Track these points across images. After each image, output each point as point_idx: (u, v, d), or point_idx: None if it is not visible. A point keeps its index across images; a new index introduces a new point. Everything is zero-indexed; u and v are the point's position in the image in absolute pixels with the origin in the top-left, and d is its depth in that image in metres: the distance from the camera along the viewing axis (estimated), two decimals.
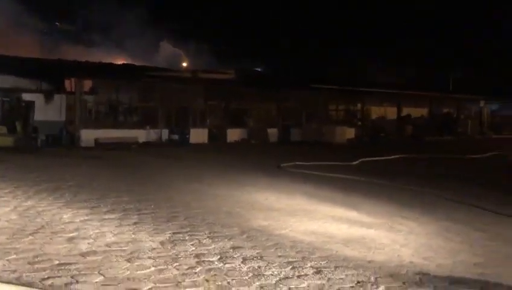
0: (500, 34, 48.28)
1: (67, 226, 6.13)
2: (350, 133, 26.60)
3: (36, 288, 4.01)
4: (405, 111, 33.21)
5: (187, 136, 21.02)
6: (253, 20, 44.59)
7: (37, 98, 18.26)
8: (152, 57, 34.13)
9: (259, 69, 39.46)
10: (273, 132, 24.66)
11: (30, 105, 17.50)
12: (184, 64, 37.97)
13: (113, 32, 35.63)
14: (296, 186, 10.62)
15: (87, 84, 20.35)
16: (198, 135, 21.50)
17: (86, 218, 6.59)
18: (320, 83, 27.06)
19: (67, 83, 20.71)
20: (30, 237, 5.53)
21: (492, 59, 46.11)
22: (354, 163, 15.97)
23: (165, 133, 20.99)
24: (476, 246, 6.41)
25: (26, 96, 18.06)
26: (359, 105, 31.21)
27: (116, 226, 6.19)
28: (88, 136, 18.47)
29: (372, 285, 4.46)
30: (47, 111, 18.29)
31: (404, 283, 4.56)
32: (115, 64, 26.50)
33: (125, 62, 27.22)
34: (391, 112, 32.55)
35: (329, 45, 43.31)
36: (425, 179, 12.94)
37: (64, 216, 6.65)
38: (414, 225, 7.38)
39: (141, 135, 20.01)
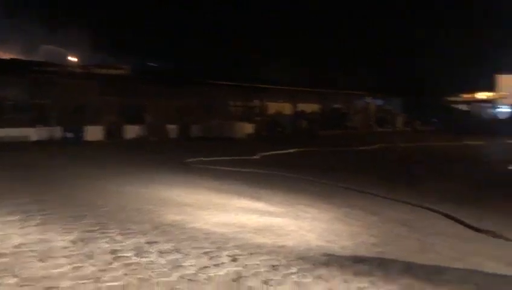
0: (385, 34, 51.91)
1: None
2: (249, 128, 27.28)
3: None
4: (300, 107, 34.72)
5: (82, 134, 20.33)
6: (151, 17, 43.93)
7: None
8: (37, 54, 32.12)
9: (155, 65, 38.87)
10: (172, 128, 24.59)
11: None
12: (74, 60, 36.31)
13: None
14: (202, 181, 10.79)
15: None
16: (94, 133, 20.89)
17: None
18: (220, 80, 27.45)
19: None
20: None
21: (376, 58, 49.44)
22: (256, 157, 16.51)
23: (58, 131, 20.10)
24: (371, 228, 7.02)
25: None
26: (257, 101, 32.09)
27: (20, 228, 5.95)
28: None
29: (285, 268, 4.79)
30: None
31: (313, 264, 4.95)
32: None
33: (12, 57, 25.49)
34: (287, 108, 33.89)
35: (231, 42, 43.80)
36: (322, 170, 13.73)
37: None
38: (316, 212, 7.90)
39: (32, 133, 18.99)
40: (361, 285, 4.41)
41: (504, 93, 55.96)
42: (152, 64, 38.11)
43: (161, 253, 5.13)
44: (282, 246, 5.61)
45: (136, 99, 24.87)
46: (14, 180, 10.10)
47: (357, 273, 4.70)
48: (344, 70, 42.76)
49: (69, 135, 19.93)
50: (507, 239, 6.67)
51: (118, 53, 34.54)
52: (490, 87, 56.53)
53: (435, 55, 52.25)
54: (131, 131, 22.80)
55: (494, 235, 6.85)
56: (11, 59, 24.47)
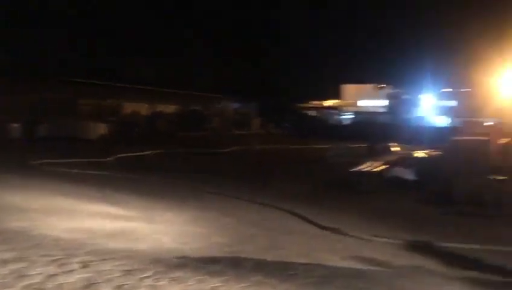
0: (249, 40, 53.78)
1: None
2: (104, 129, 26.31)
3: None
4: (158, 108, 34.37)
5: None
6: None
7: None
8: None
9: None
10: (16, 127, 22.74)
11: None
12: None
13: None
14: (50, 185, 10.21)
15: None
16: None
17: None
18: (71, 76, 26.06)
19: None
20: None
21: (234, 62, 50.90)
22: (110, 159, 16.01)
23: None
24: (225, 229, 7.27)
25: None
26: (113, 100, 31.06)
27: None
28: None
29: (139, 272, 4.76)
30: None
31: (168, 267, 4.98)
32: None
33: None
34: (145, 108, 33.32)
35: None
36: (179, 172, 13.83)
37: None
38: (171, 215, 7.95)
39: None
40: (215, 284, 4.55)
41: (348, 101, 61.32)
42: None
43: (3, 262, 4.75)
44: (137, 251, 5.56)
45: None
46: None
47: (211, 274, 4.84)
48: (203, 72, 43.32)
49: None
50: (345, 234, 7.38)
51: None
52: (336, 96, 61.55)
53: (288, 64, 55.50)
54: None
55: (336, 231, 7.53)
56: None
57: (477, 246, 7.45)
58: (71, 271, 4.65)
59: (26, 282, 4.26)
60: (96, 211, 7.85)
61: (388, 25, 59.89)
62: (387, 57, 55.39)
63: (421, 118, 53.82)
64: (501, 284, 6.07)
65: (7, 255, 4.99)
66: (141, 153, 18.52)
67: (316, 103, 61.00)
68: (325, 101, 62.01)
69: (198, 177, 13.08)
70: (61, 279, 4.41)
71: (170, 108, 36.25)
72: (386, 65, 55.40)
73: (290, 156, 22.56)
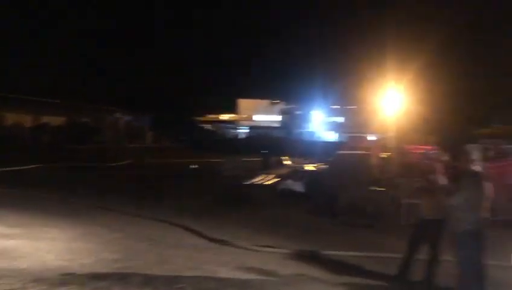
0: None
1: None
2: None
3: None
4: (44, 119, 32.60)
5: None
6: None
7: None
8: None
9: None
10: None
11: None
12: None
13: None
14: None
15: None
16: None
17: None
18: None
19: None
20: None
21: (125, 74, 49.87)
22: None
23: None
24: (114, 244, 7.13)
25: None
26: None
27: None
28: None
29: None
30: None
31: (51, 285, 4.79)
32: None
33: None
34: (28, 120, 31.44)
35: None
36: (67, 188, 13.25)
37: None
38: (56, 232, 7.62)
39: None
40: None
41: (244, 115, 62.54)
42: None
43: None
44: (18, 269, 5.28)
45: None
46: None
47: (96, 289, 4.75)
48: (91, 82, 41.74)
49: None
50: (236, 246, 7.57)
51: None
52: (232, 110, 62.54)
53: (185, 77, 55.43)
54: None
55: (225, 243, 7.69)
56: None
57: (358, 254, 7.99)
58: None
59: None
60: None
61: (283, 44, 62.37)
62: (282, 74, 57.51)
63: (312, 132, 56.35)
64: (382, 288, 6.56)
65: None
66: (24, 167, 17.48)
67: (212, 116, 61.50)
68: (221, 115, 62.76)
69: (86, 193, 12.65)
70: None
71: (57, 120, 34.52)
72: (281, 82, 57.42)
73: (183, 170, 22.51)
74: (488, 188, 5.49)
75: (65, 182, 14.90)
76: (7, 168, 16.40)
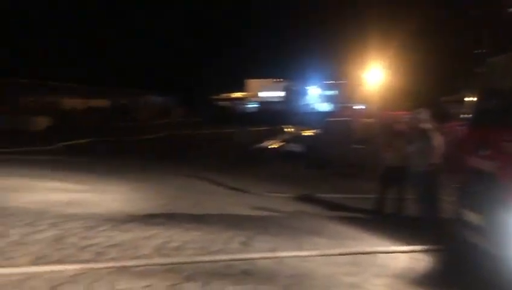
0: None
1: None
2: (46, 121, 25.14)
3: None
4: (92, 102, 33.26)
5: None
6: None
7: None
8: None
9: None
10: None
11: None
12: None
13: None
14: (8, 169, 9.99)
15: None
16: None
17: None
18: (15, 76, 24.54)
19: None
20: None
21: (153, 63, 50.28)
22: (55, 146, 15.66)
23: None
24: (160, 193, 7.77)
25: None
26: (52, 96, 29.60)
27: None
28: None
29: (97, 227, 5.21)
30: None
31: (119, 221, 5.45)
32: None
33: None
34: (80, 103, 32.12)
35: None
36: (115, 154, 13.92)
37: None
38: (115, 187, 8.25)
39: None
40: (156, 232, 5.11)
41: (252, 92, 62.79)
42: None
43: None
44: (93, 213, 5.92)
45: None
46: None
47: (153, 224, 5.39)
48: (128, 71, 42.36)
49: None
50: (250, 193, 8.21)
51: None
52: (242, 88, 62.87)
53: (203, 61, 55.82)
54: None
55: (242, 191, 8.33)
56: None
57: (344, 195, 8.61)
58: (43, 230, 5.01)
59: (8, 240, 4.58)
60: (51, 187, 7.96)
61: (284, 28, 62.00)
62: (283, 55, 57.70)
63: (309, 104, 56.60)
64: (359, 219, 7.20)
65: None
66: (80, 141, 18.17)
67: (225, 95, 61.98)
68: (233, 93, 63.18)
69: (130, 158, 13.30)
70: (35, 236, 4.77)
71: (102, 102, 35.19)
72: (282, 62, 57.70)
73: (205, 139, 23.14)
74: (439, 141, 6.06)
75: (113, 151, 15.55)
76: (68, 142, 17.11)
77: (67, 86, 28.83)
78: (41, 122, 24.42)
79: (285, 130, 24.82)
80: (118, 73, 40.76)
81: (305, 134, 19.22)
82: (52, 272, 3.46)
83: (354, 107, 29.80)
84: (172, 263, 3.76)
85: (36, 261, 3.78)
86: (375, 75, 25.81)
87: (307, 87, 60.88)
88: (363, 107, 29.69)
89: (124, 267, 3.60)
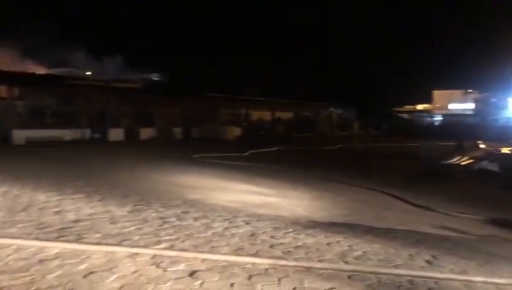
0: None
1: (47, 204, 6.44)
2: (237, 131, 28.02)
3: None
4: (277, 114, 35.63)
5: (106, 135, 20.84)
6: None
7: None
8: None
9: (159, 79, 39.45)
10: (177, 131, 25.20)
11: None
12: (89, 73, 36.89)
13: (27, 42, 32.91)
14: (209, 171, 11.53)
15: (16, 90, 19.26)
16: (115, 134, 21.40)
17: (59, 198, 6.88)
18: (213, 92, 28.23)
19: None
20: (23, 212, 5.82)
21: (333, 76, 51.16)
22: (245, 153, 17.30)
23: (87, 132, 20.58)
24: (340, 204, 7.91)
25: None
26: (243, 110, 32.90)
27: (87, 203, 6.62)
28: (19, 135, 17.61)
29: (284, 229, 5.61)
30: None
31: (303, 227, 5.79)
32: (37, 74, 25.12)
33: (46, 72, 25.95)
34: (267, 115, 34.79)
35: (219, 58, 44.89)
36: (298, 163, 14.62)
37: (40, 197, 6.89)
38: (299, 193, 8.75)
39: (67, 134, 19.45)
40: (338, 239, 5.24)
41: (438, 105, 58.06)
42: (156, 78, 38.71)
43: (194, 219, 5.87)
44: (279, 216, 6.42)
45: (148, 107, 25.45)
46: (65, 170, 10.67)
47: (334, 232, 5.54)
48: (311, 85, 44.10)
49: (96, 135, 20.44)
50: (434, 211, 7.64)
51: (131, 69, 35.13)
52: (427, 100, 58.68)
53: (384, 74, 54.24)
54: (145, 133, 23.36)
55: (426, 209, 7.82)
56: (46, 74, 24.79)
57: None
58: (239, 226, 5.63)
59: (212, 231, 5.32)
60: (243, 189, 8.90)
61: (475, 35, 55.84)
62: (475, 64, 51.86)
63: (507, 118, 49.35)
64: None
65: (196, 215, 6.12)
66: (267, 150, 19.64)
67: (409, 107, 58.79)
68: (418, 105, 59.48)
69: (313, 167, 13.78)
70: (233, 230, 5.41)
71: (287, 114, 37.38)
72: (473, 72, 51.89)
73: (386, 153, 22.36)
74: None
75: (296, 160, 16.36)
76: (257, 150, 18.71)
77: (255, 99, 31.70)
78: (233, 132, 27.32)
79: (479, 146, 22.22)
80: (302, 86, 42.87)
81: (503, 151, 16.92)
82: (249, 263, 3.88)
83: None
84: (355, 271, 3.80)
85: (236, 252, 4.29)
86: None
87: (505, 99, 53.22)
88: None
89: (310, 268, 3.81)
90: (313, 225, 5.96)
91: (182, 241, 4.64)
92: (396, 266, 4.18)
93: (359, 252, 4.59)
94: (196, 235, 5.04)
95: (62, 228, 5.07)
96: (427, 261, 4.56)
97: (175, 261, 3.89)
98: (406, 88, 53.04)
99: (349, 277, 3.68)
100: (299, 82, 44.62)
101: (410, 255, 4.71)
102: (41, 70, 27.03)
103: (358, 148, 23.86)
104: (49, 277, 3.41)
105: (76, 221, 5.44)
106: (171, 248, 4.34)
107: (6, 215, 5.61)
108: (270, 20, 56.18)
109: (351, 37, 56.30)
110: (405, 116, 57.01)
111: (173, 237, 4.93)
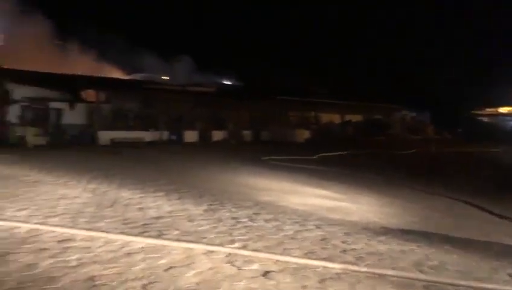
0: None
1: (131, 201, 6.91)
2: (306, 134, 27.90)
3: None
4: (347, 117, 34.91)
5: (182, 137, 21.78)
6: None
7: (63, 106, 18.65)
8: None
9: (230, 83, 40.46)
10: (247, 133, 25.66)
11: (59, 111, 17.91)
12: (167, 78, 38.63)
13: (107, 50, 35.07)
14: (279, 174, 11.63)
15: (102, 95, 20.80)
16: (190, 136, 22.30)
17: (142, 195, 7.34)
18: (283, 95, 28.34)
19: (83, 93, 21.09)
20: (110, 208, 6.30)
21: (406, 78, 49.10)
22: (315, 157, 17.18)
23: (165, 134, 21.66)
24: (413, 211, 7.61)
25: (55, 105, 18.42)
26: (312, 112, 32.66)
27: (167, 201, 7.00)
28: (105, 136, 18.99)
29: (355, 234, 5.52)
30: (71, 116, 18.69)
31: (375, 233, 5.66)
32: (121, 79, 26.98)
33: (129, 78, 27.76)
34: (336, 118, 34.21)
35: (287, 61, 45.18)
36: (369, 167, 14.23)
37: (124, 195, 7.40)
38: (369, 199, 8.53)
39: (146, 135, 20.64)
40: (412, 247, 5.06)
41: None
42: (229, 83, 39.75)
43: (266, 220, 5.97)
44: (350, 221, 6.33)
45: (220, 110, 26.19)
46: (147, 169, 11.33)
47: (407, 240, 5.35)
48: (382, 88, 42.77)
49: (173, 137, 21.45)
50: None
51: (204, 74, 36.42)
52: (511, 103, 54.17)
53: (462, 74, 51.06)
54: (217, 135, 24.09)
55: (504, 217, 7.26)
56: (129, 79, 26.47)
57: None
58: (309, 229, 5.64)
59: (283, 233, 5.38)
60: (313, 192, 8.87)
61: None
62: None
63: None
64: None
65: (267, 217, 6.22)
66: (337, 153, 19.33)
67: (490, 110, 54.63)
68: (500, 108, 55.09)
69: (384, 172, 13.35)
70: (305, 234, 5.42)
71: (357, 117, 36.51)
72: None
73: (464, 158, 21.04)
74: None
75: (366, 164, 15.93)
76: (326, 154, 18.49)
77: (325, 102, 31.30)
78: (302, 134, 27.23)
79: None
80: (373, 89, 41.69)
81: None
82: (320, 266, 3.89)
83: None
84: (432, 281, 3.66)
85: (307, 255, 4.31)
86: None
87: None
88: None
89: (383, 275, 3.73)
90: (384, 231, 5.80)
91: (255, 242, 4.75)
92: (479, 279, 3.95)
93: (435, 262, 4.40)
94: (268, 237, 5.13)
95: (145, 224, 5.41)
96: (511, 276, 4.26)
97: (248, 260, 4.00)
98: (487, 89, 49.41)
99: (424, 287, 3.55)
100: (370, 83, 43.47)
101: (493, 268, 4.43)
102: (117, 75, 28.92)
103: (432, 153, 22.65)
104: (134, 269, 3.67)
105: (157, 217, 5.78)
106: (244, 247, 4.46)
107: (95, 211, 6.10)
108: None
109: (427, 37, 53.56)
110: (487, 119, 53.08)
111: (246, 237, 5.07)
